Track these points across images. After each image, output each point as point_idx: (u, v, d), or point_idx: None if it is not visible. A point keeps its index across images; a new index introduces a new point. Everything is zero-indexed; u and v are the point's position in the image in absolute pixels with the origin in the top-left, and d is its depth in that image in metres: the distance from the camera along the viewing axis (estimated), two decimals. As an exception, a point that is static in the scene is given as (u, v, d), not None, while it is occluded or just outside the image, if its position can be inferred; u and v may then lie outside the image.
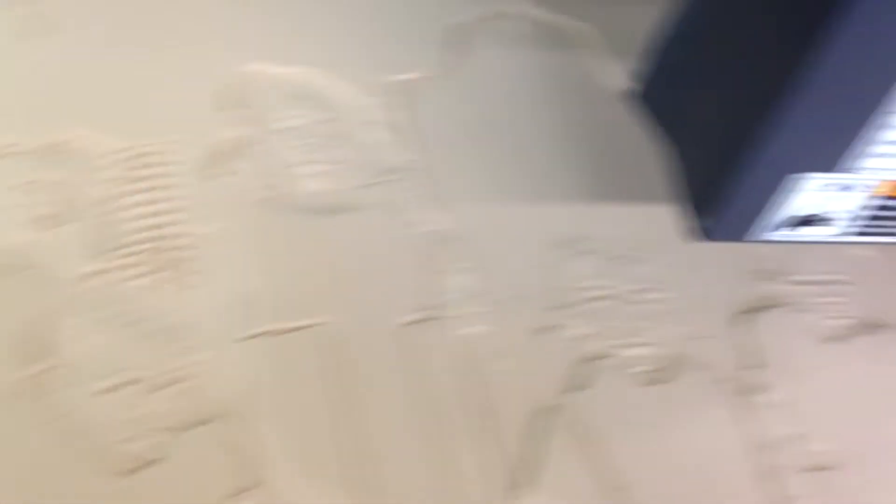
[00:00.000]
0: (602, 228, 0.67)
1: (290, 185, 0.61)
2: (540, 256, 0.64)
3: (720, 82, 0.61)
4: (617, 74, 0.74)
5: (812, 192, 0.59)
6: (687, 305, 0.65)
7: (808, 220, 0.61)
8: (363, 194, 0.62)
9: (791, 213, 0.60)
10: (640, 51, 0.73)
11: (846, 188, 0.59)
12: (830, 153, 0.57)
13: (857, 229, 0.62)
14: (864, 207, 0.60)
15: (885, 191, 0.60)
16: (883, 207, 0.61)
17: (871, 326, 0.69)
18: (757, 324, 0.66)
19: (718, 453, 0.60)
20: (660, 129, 0.69)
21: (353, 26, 0.69)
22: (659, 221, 0.68)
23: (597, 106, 0.73)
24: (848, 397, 0.65)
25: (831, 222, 0.61)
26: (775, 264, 0.69)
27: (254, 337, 0.55)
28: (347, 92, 0.66)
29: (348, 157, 0.63)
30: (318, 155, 0.63)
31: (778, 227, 0.61)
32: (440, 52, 0.71)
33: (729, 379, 0.63)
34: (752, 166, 0.57)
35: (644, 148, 0.70)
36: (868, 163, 0.57)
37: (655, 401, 0.61)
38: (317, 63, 0.66)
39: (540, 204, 0.67)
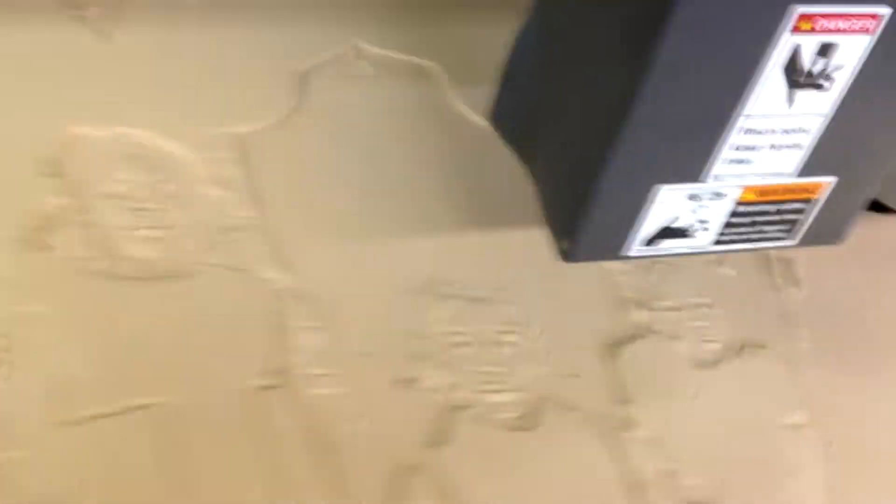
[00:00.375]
0: (462, 269, 0.64)
1: (118, 255, 0.57)
2: (396, 306, 0.61)
3: (565, 101, 0.60)
4: (467, 104, 0.72)
5: (672, 204, 0.57)
6: (552, 343, 0.63)
7: (670, 233, 0.59)
8: (201, 257, 0.59)
9: (652, 228, 0.58)
10: (490, 78, 0.71)
11: (707, 197, 0.58)
12: (685, 163, 0.56)
13: (723, 238, 0.61)
14: (728, 215, 0.59)
15: (748, 197, 0.59)
16: (746, 213, 0.60)
17: (738, 349, 0.68)
18: (625, 356, 0.64)
19: (592, 497, 0.58)
20: (515, 153, 0.67)
21: (184, 80, 0.65)
22: (523, 254, 0.66)
23: (449, 139, 0.71)
24: (720, 425, 0.64)
25: (695, 233, 0.60)
26: (640, 292, 0.68)
27: (78, 423, 0.50)
28: (180, 149, 0.62)
29: (183, 220, 0.60)
30: (150, 220, 0.59)
31: (640, 242, 0.59)
32: (279, 99, 0.68)
33: (599, 417, 0.61)
34: (604, 183, 0.55)
35: (504, 175, 0.68)
36: (726, 169, 0.56)
37: (524, 448, 0.58)
38: (146, 122, 0.63)
39: (395, 250, 0.64)
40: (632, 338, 0.66)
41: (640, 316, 0.67)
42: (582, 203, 0.57)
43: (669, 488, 0.59)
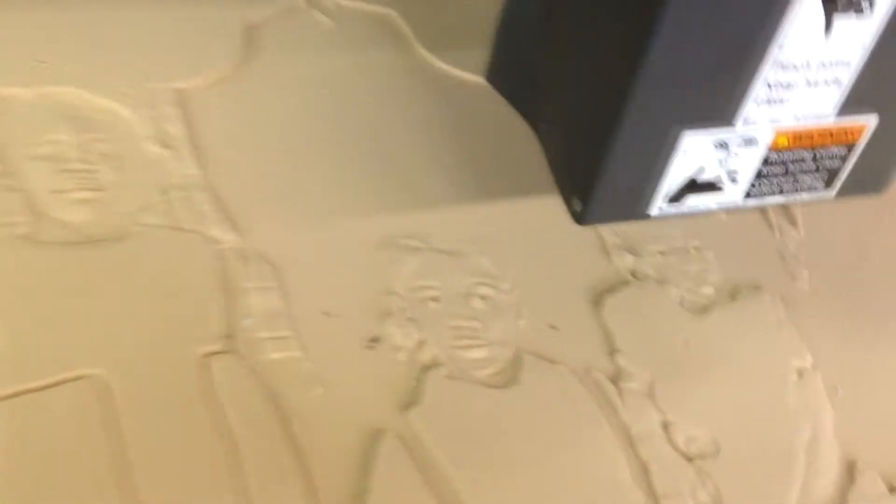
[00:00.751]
0: (429, 222, 0.60)
1: (47, 219, 0.52)
2: (357, 261, 0.57)
3: (573, 45, 0.54)
4: (434, 54, 0.68)
5: (697, 154, 0.51)
6: (529, 295, 0.58)
7: (696, 188, 0.53)
8: (138, 219, 0.54)
9: (676, 182, 0.53)
10: (454, 24, 0.67)
11: (737, 144, 0.52)
12: (712, 105, 0.49)
13: (755, 191, 0.55)
14: (760, 164, 0.53)
15: (782, 142, 0.53)
16: (780, 162, 0.54)
17: (732, 292, 0.63)
18: (610, 305, 0.60)
19: (585, 455, 0.53)
20: (519, 110, 0.61)
21: (121, 34, 0.61)
22: (496, 204, 0.61)
23: (412, 90, 0.66)
24: (717, 373, 0.59)
25: (723, 186, 0.54)
26: (624, 238, 0.63)
27: (2, 400, 0.45)
28: (116, 107, 0.58)
29: (119, 180, 0.55)
30: (82, 181, 0.54)
31: (663, 199, 0.53)
32: (226, 54, 0.63)
33: (584, 370, 0.56)
34: (621, 130, 0.49)
35: (465, 130, 0.64)
36: (758, 111, 0.50)
37: (502, 405, 0.53)
38: (79, 80, 0.58)
39: (353, 204, 0.59)
40: (617, 285, 0.61)
41: (625, 262, 0.62)
42: (596, 157, 0.51)
43: (664, 443, 0.55)
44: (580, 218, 0.54)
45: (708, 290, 0.62)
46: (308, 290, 0.54)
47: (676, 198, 0.53)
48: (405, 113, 0.64)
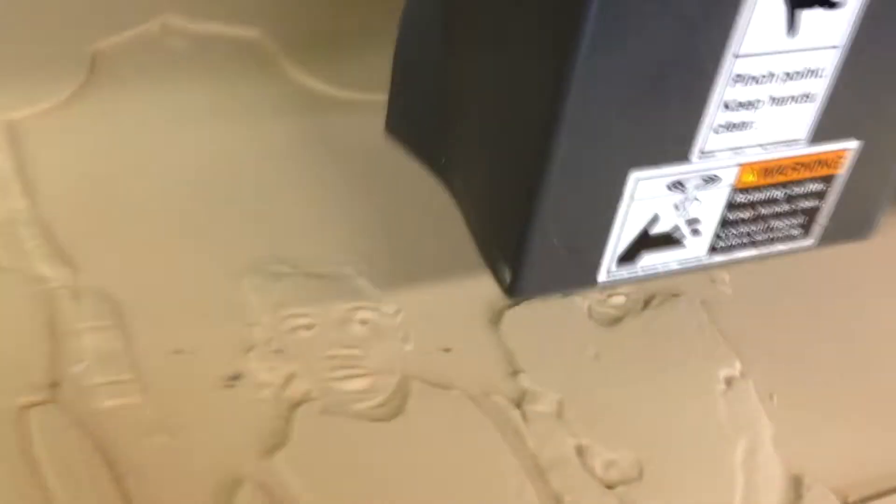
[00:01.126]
0: (298, 246, 0.53)
1: None
2: (214, 292, 0.50)
3: (484, 78, 0.45)
4: (304, 70, 0.62)
5: (649, 200, 0.43)
6: (421, 315, 0.52)
7: (650, 243, 0.45)
8: (-49, 261, 0.46)
9: (627, 238, 0.44)
10: (327, 40, 0.61)
11: (695, 184, 0.43)
12: (660, 138, 0.41)
13: (722, 243, 0.47)
14: (725, 208, 0.45)
15: (748, 179, 0.44)
16: (748, 205, 0.45)
17: (646, 299, 0.57)
18: (510, 321, 0.53)
19: (487, 491, 0.46)
20: (427, 166, 0.53)
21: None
22: (375, 222, 0.55)
23: (277, 111, 0.60)
24: (635, 388, 0.52)
25: (684, 239, 0.45)
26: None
27: None
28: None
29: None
30: None
31: (612, 261, 0.45)
32: (63, 83, 0.57)
33: (486, 394, 0.49)
34: (550, 180, 0.40)
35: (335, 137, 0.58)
36: (718, 141, 0.41)
37: (391, 440, 0.46)
38: None
39: (206, 232, 0.53)
40: (517, 300, 0.54)
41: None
42: (523, 216, 0.42)
43: (579, 470, 0.48)
44: (511, 290, 0.46)
45: (619, 300, 0.56)
46: (155, 328, 0.47)
47: (628, 257, 0.45)
48: (266, 139, 0.59)
